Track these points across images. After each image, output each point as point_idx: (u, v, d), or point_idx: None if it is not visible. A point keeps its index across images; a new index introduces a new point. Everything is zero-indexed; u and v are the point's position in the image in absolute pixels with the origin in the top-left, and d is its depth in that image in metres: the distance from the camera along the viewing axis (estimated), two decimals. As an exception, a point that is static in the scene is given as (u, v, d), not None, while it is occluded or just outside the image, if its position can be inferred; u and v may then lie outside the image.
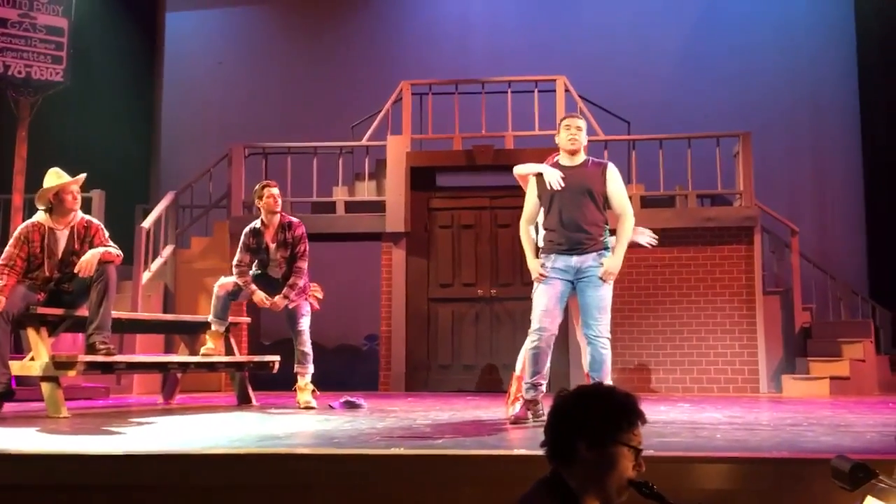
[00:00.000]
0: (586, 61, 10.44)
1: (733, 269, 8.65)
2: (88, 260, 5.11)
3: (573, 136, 4.62)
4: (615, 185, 4.61)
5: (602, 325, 4.49)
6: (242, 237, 6.09)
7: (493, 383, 8.64)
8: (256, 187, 6.18)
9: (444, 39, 11.50)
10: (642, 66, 10.85)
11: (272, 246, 6.02)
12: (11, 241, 5.25)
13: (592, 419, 1.96)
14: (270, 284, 5.99)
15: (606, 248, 4.58)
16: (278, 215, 6.04)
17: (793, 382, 8.32)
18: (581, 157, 4.67)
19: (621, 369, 8.37)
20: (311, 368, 5.93)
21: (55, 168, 5.31)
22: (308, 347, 5.93)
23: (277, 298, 5.89)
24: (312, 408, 5.75)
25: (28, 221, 5.31)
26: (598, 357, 4.49)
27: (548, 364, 4.58)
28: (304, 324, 5.96)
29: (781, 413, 5.29)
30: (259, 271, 6.08)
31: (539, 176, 4.69)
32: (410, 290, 8.96)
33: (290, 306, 5.92)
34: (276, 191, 6.05)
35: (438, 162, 9.22)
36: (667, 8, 11.46)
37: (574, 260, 4.51)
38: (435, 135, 9.31)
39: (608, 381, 4.46)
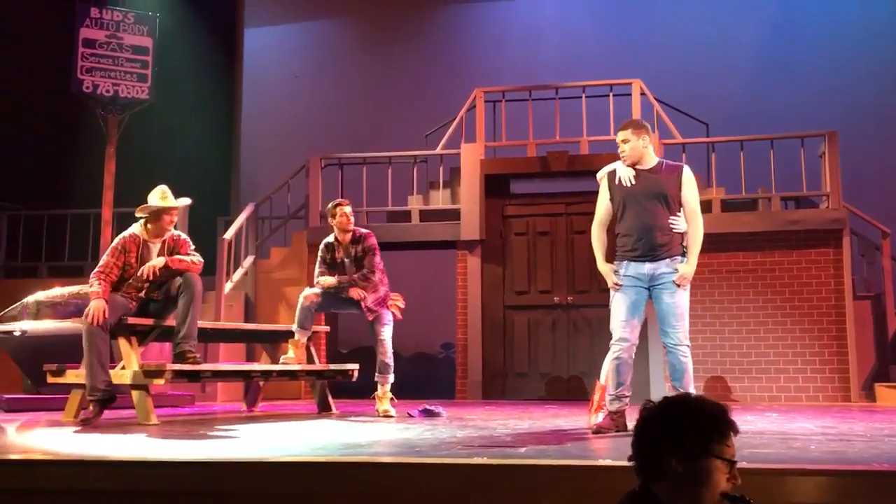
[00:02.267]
0: (661, 63, 10.26)
1: (821, 273, 8.34)
2: (153, 264, 5.29)
3: (620, 151, 4.54)
4: (689, 190, 4.47)
5: (680, 332, 4.37)
6: (319, 251, 6.20)
7: (570, 391, 8.54)
8: (329, 205, 6.27)
9: (516, 46, 11.48)
10: (720, 66, 10.61)
11: (346, 261, 6.11)
12: (109, 250, 5.47)
13: (682, 431, 1.88)
14: (349, 299, 6.06)
15: (682, 254, 4.44)
16: (351, 232, 6.11)
17: (886, 391, 7.97)
18: (653, 161, 4.53)
19: (703, 377, 8.17)
20: (391, 378, 5.97)
21: (163, 187, 5.48)
22: (389, 358, 5.96)
23: (352, 290, 5.98)
24: (391, 416, 5.78)
25: (126, 233, 5.51)
26: (679, 366, 4.38)
27: (631, 374, 4.48)
28: (386, 333, 5.99)
29: (877, 423, 5.07)
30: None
31: (611, 175, 4.61)
32: (486, 297, 8.94)
33: (369, 305, 5.95)
34: (348, 209, 6.11)
35: (513, 169, 9.19)
36: (743, 5, 11.18)
37: (647, 267, 4.41)
38: (509, 142, 9.29)
39: (691, 390, 4.35)
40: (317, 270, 6.19)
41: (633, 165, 4.53)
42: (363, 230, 6.25)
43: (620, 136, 4.56)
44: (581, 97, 9.01)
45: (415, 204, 9.25)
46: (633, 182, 4.48)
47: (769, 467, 2.91)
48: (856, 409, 6.87)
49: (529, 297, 8.99)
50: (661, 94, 9.06)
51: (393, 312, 6.10)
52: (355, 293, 5.97)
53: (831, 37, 10.61)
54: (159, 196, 5.44)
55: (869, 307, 8.45)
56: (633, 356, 4.48)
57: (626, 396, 4.46)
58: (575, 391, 8.43)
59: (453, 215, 9.06)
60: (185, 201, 5.60)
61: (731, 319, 8.38)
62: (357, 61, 11.98)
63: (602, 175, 4.73)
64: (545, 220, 9.09)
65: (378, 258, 6.10)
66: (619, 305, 4.48)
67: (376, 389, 5.97)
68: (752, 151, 8.63)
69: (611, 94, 8.96)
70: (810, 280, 8.38)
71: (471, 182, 8.98)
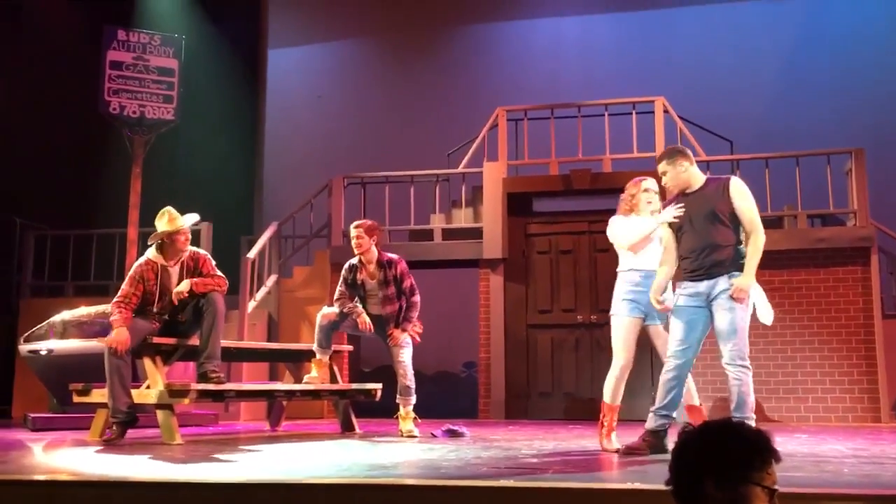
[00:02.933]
0: (684, 81, 10.23)
1: (849, 291, 8.22)
2: (180, 290, 5.30)
3: (664, 183, 4.56)
4: (740, 201, 4.33)
5: (732, 350, 4.22)
6: (343, 272, 6.18)
7: (594, 412, 8.38)
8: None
9: (538, 65, 11.49)
10: (743, 83, 10.55)
11: (371, 283, 6.07)
12: (127, 279, 5.46)
13: (721, 457, 1.84)
14: (371, 321, 6.03)
15: (740, 269, 4.29)
16: (375, 253, 6.08)
17: (918, 412, 7.82)
18: (699, 181, 4.48)
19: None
20: (413, 399, 5.93)
21: (168, 208, 5.49)
22: (411, 380, 5.92)
23: (396, 332, 5.92)
24: (415, 436, 5.75)
25: (141, 259, 5.51)
26: (732, 389, 4.23)
27: (679, 396, 4.39)
28: (406, 356, 5.96)
29: (911, 446, 4.97)
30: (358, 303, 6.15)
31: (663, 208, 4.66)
32: (509, 316, 8.90)
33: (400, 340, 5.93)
34: (357, 232, 6.03)
35: (535, 187, 9.17)
36: (766, 23, 11.13)
37: (703, 285, 4.33)
38: (531, 160, 9.27)
39: (749, 414, 4.16)
40: (337, 291, 6.16)
41: (682, 192, 4.50)
42: (392, 256, 6.17)
43: (659, 169, 4.56)
44: (604, 115, 8.99)
45: (437, 223, 9.25)
46: (681, 212, 4.45)
47: (803, 491, 2.84)
48: (886, 431, 6.74)
49: (552, 315, 8.94)
50: (685, 112, 9.01)
51: (411, 335, 6.06)
52: (397, 337, 5.90)
53: (856, 53, 10.53)
54: (166, 220, 5.43)
55: (898, 326, 8.30)
56: (685, 377, 4.41)
57: (669, 416, 4.38)
58: (598, 411, 8.30)
59: (476, 234, 9.04)
60: (193, 218, 5.54)
61: (758, 339, 8.23)
62: (379, 81, 12.04)
63: (642, 235, 4.83)
64: (568, 238, 9.05)
65: (416, 288, 6.05)
66: (672, 325, 4.44)
67: (398, 410, 5.94)
68: (777, 169, 8.55)
69: (633, 112, 8.93)
70: (838, 298, 8.27)
71: (493, 200, 8.97)
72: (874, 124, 9.90)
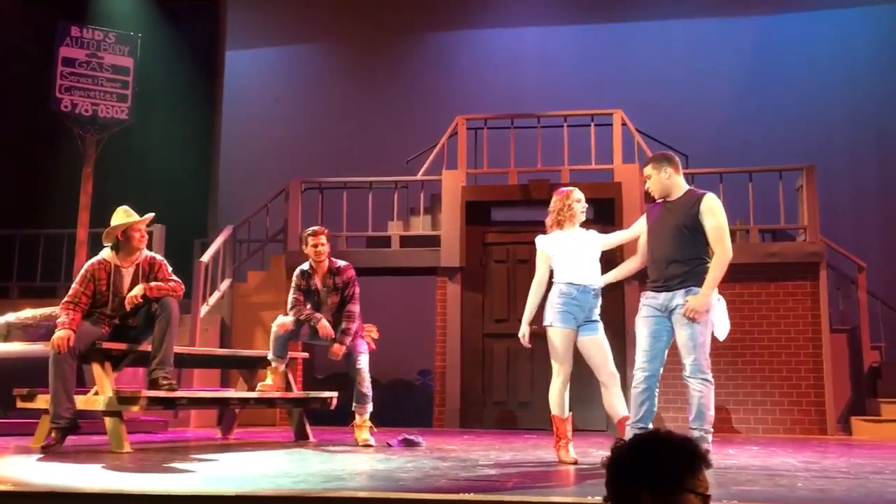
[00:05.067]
0: (642, 94, 10.36)
1: (798, 306, 8.40)
2: (134, 294, 5.16)
3: (647, 187, 4.64)
4: (707, 219, 4.36)
5: (691, 365, 4.29)
6: (294, 279, 6.09)
7: (550, 421, 8.46)
8: (304, 233, 6.17)
9: (498, 74, 11.53)
10: (700, 98, 10.72)
11: (322, 290, 6.01)
12: (77, 278, 5.32)
13: (654, 468, 1.88)
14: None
15: (701, 285, 4.33)
16: (324, 262, 6.01)
17: (863, 425, 8.01)
18: (681, 191, 4.51)
19: (680, 408, 8.14)
20: (370, 408, 5.87)
21: (124, 206, 5.38)
22: (367, 387, 5.86)
23: (335, 347, 5.84)
24: (370, 445, 5.69)
25: (94, 259, 5.37)
26: (691, 401, 4.29)
27: (652, 407, 4.39)
28: (363, 362, 5.90)
29: (858, 459, 5.07)
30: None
31: (647, 213, 4.70)
32: (465, 325, 8.88)
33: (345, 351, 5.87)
34: (322, 239, 5.97)
35: (494, 196, 9.18)
36: (723, 40, 11.33)
37: (662, 297, 4.39)
38: (490, 169, 9.29)
39: (706, 426, 4.26)
40: (290, 297, 6.06)
41: (664, 198, 4.54)
42: (341, 263, 6.10)
43: (644, 172, 4.64)
44: (563, 126, 9.05)
45: (395, 230, 9.21)
46: (659, 214, 4.54)
47: (761, 507, 2.87)
48: (833, 443, 6.88)
49: (509, 325, 8.93)
50: (642, 125, 9.13)
51: (367, 342, 6.02)
52: (338, 351, 5.82)
53: (809, 74, 10.78)
54: (123, 215, 5.32)
55: (845, 340, 8.51)
56: (655, 387, 4.41)
57: (645, 428, 4.37)
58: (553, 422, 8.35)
59: (433, 242, 9.02)
60: (150, 216, 5.43)
61: (710, 349, 8.37)
62: (338, 86, 11.96)
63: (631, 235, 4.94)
64: (525, 247, 9.02)
65: (357, 298, 5.97)
66: (638, 334, 4.48)
67: (354, 418, 5.88)
68: (731, 183, 8.70)
69: (592, 124, 9.01)
70: (787, 312, 8.43)
71: (451, 209, 8.96)
72: (825, 142, 10.15)
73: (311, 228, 6.15)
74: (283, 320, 6.03)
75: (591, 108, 9.20)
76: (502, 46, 11.98)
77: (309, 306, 6.01)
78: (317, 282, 5.99)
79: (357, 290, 5.99)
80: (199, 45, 11.18)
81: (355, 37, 12.21)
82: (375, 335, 6.13)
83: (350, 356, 5.89)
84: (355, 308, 5.93)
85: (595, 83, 10.86)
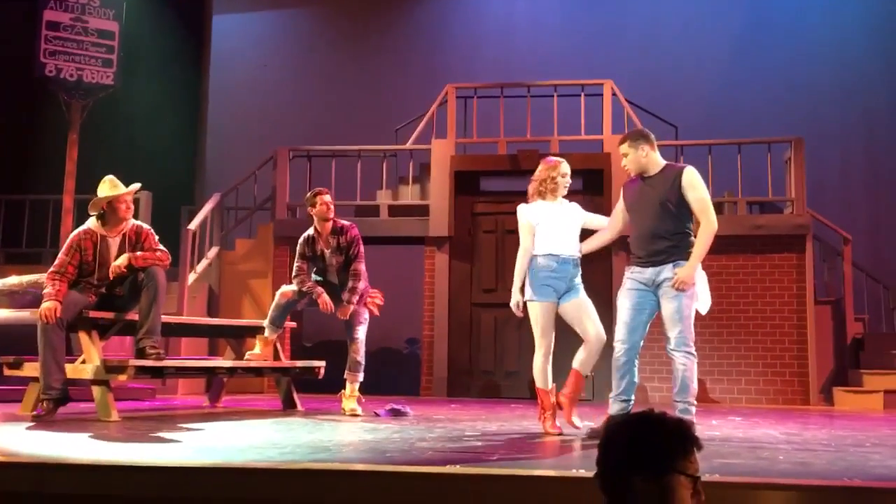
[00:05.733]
0: (633, 65, 10.30)
1: (784, 278, 8.46)
2: (118, 264, 5.15)
3: (623, 164, 4.63)
4: (690, 192, 4.40)
5: (677, 337, 4.34)
6: (298, 247, 6.06)
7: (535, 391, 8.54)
8: (308, 195, 6.15)
9: (488, 42, 11.44)
10: (690, 70, 10.68)
11: (327, 252, 5.99)
12: (63, 248, 5.29)
13: (645, 449, 1.89)
14: (331, 290, 5.95)
15: (687, 258, 4.38)
16: (331, 221, 6.01)
17: (844, 395, 8.12)
18: (657, 167, 4.53)
19: (664, 378, 8.23)
20: (361, 377, 5.90)
21: (110, 176, 5.33)
22: (362, 356, 5.89)
23: (340, 308, 5.83)
24: (358, 415, 5.73)
25: (80, 229, 5.34)
26: (676, 374, 4.36)
27: (633, 378, 4.45)
28: (361, 332, 5.90)
29: (840, 431, 5.15)
30: (319, 278, 6.07)
31: (623, 188, 4.72)
32: (453, 294, 8.91)
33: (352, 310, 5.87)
34: (328, 198, 5.99)
35: (483, 166, 9.16)
36: (715, 11, 11.26)
37: (649, 272, 4.42)
38: (480, 139, 9.26)
39: (690, 399, 4.34)
40: (295, 266, 6.04)
41: (640, 175, 4.55)
42: (345, 222, 6.10)
43: (621, 150, 4.62)
44: (553, 96, 9.01)
45: (384, 199, 9.18)
46: (638, 190, 4.54)
47: (743, 481, 2.92)
48: (815, 414, 6.98)
49: (497, 294, 8.96)
50: (632, 96, 9.10)
51: (370, 309, 6.03)
52: (345, 311, 5.80)
53: (799, 47, 10.73)
54: (108, 186, 5.29)
55: (829, 312, 8.59)
56: (635, 359, 4.46)
57: (628, 401, 4.44)
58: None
59: (422, 211, 9.01)
60: (135, 186, 5.41)
61: (695, 321, 8.42)
62: (328, 52, 11.84)
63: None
64: (514, 218, 8.91)
65: (362, 257, 5.97)
66: (620, 307, 4.50)
67: (344, 387, 5.90)
68: (719, 155, 8.71)
69: (582, 94, 8.97)
70: (773, 284, 8.50)
71: (440, 178, 8.94)
72: (813, 115, 10.14)
73: (313, 190, 6.14)
74: (286, 289, 6.05)
75: (582, 76, 9.15)
76: (493, 14, 11.86)
77: (315, 271, 6.04)
78: (321, 246, 5.99)
79: (362, 248, 6.00)
80: (186, 8, 11.00)
81: (344, 3, 12.06)
82: (380, 301, 6.13)
83: (350, 324, 5.88)
84: (361, 266, 5.93)
85: (585, 52, 10.78)
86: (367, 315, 5.97)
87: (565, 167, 4.94)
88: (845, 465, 3.46)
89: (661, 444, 1.87)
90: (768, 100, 10.39)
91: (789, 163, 8.67)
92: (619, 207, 4.73)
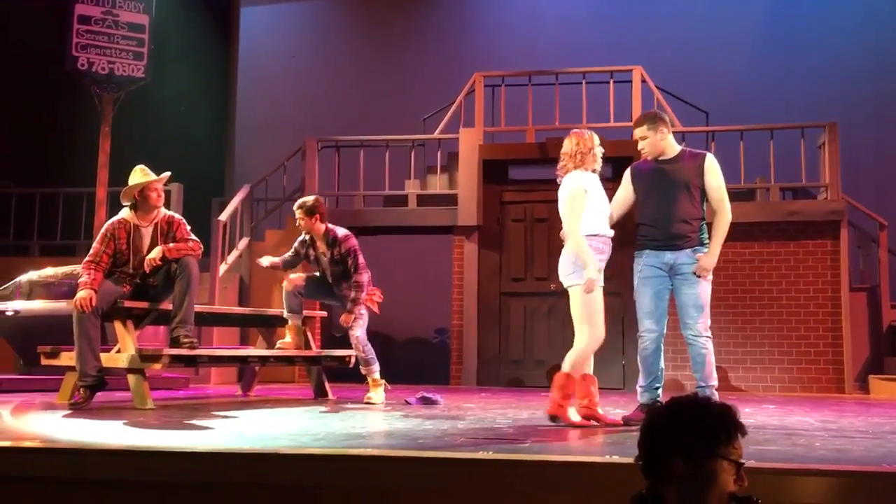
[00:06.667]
0: (662, 51, 10.19)
1: (818, 264, 8.34)
2: (152, 257, 5.20)
3: (640, 147, 4.53)
4: (713, 178, 4.42)
5: (700, 323, 4.34)
6: (296, 243, 6.17)
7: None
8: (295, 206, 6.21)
9: (516, 31, 11.37)
10: (720, 55, 10.54)
11: (324, 259, 6.05)
12: (98, 238, 5.36)
13: (688, 433, 1.87)
14: (332, 291, 6.09)
15: (703, 244, 4.41)
16: (322, 229, 6.00)
17: (880, 383, 8.00)
18: (674, 151, 4.51)
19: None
20: (376, 367, 5.95)
21: (141, 165, 5.39)
22: (364, 351, 5.92)
23: (343, 317, 5.94)
24: (373, 403, 5.76)
25: (114, 219, 5.40)
26: (699, 358, 4.35)
27: (660, 365, 4.42)
28: (357, 330, 5.92)
29: (877, 418, 5.07)
30: (319, 273, 6.17)
31: (634, 168, 4.62)
32: (482, 283, 8.90)
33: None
34: (297, 214, 5.99)
35: (511, 155, 9.12)
36: (744, -4, 11.10)
37: (668, 256, 4.39)
38: (508, 127, 9.22)
39: (713, 383, 4.34)
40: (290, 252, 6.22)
41: (655, 159, 4.50)
42: (340, 232, 6.02)
43: (637, 133, 4.52)
44: (581, 83, 8.94)
45: (412, 188, 9.19)
46: (655, 173, 4.46)
47: (778, 467, 2.88)
48: (851, 402, 6.88)
49: (526, 283, 8.96)
50: (662, 82, 8.99)
51: (369, 307, 6.04)
52: (346, 319, 5.88)
53: (832, 30, 10.54)
54: (140, 174, 5.35)
55: (864, 299, 8.46)
56: (662, 346, 4.43)
57: (658, 388, 4.41)
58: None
59: (450, 200, 9.00)
60: (166, 175, 5.46)
61: (728, 309, 8.36)
62: (355, 43, 11.85)
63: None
64: (543, 206, 9.02)
65: (362, 267, 5.94)
66: (641, 296, 4.46)
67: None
68: (751, 141, 8.60)
69: (611, 81, 8.89)
70: (807, 271, 8.38)
71: (469, 167, 8.92)
72: (848, 99, 9.96)
73: (296, 203, 6.16)
74: (293, 277, 6.16)
75: (610, 64, 9.06)
76: (521, 2, 11.79)
77: (315, 265, 6.15)
78: (318, 249, 6.05)
79: (360, 259, 5.97)
80: (214, 1, 11.08)
81: (371, -8, 12.05)
82: (378, 298, 6.16)
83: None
84: (362, 278, 5.93)
85: (614, 39, 10.68)
86: (363, 312, 5.97)
87: (597, 138, 4.57)
88: (884, 451, 3.41)
89: (705, 429, 1.86)
90: (800, 82, 10.22)
91: (823, 148, 8.53)
92: (627, 191, 4.58)
